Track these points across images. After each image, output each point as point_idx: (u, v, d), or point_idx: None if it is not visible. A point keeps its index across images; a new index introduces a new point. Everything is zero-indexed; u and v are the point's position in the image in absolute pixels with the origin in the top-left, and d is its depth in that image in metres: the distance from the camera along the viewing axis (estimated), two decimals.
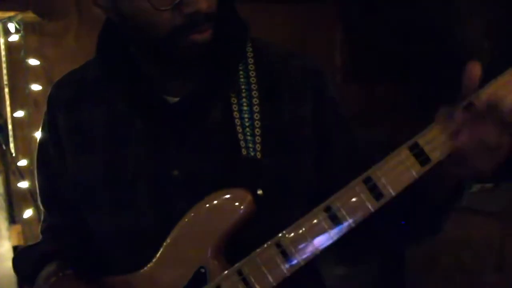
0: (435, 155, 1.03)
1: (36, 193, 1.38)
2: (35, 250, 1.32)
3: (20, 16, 2.96)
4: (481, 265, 2.78)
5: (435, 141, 1.03)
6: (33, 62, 3.06)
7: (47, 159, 1.30)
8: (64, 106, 1.27)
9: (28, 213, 3.03)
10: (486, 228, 2.76)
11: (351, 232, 1.07)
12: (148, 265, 1.15)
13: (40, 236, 1.38)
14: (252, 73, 1.19)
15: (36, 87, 3.05)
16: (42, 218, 1.39)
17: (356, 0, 3.88)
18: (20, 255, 1.35)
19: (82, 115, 1.24)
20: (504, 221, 2.77)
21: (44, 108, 1.32)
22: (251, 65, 1.20)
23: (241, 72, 1.19)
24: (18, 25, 3.00)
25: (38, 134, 2.78)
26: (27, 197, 3.00)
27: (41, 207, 1.37)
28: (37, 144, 1.34)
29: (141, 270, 1.16)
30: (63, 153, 1.26)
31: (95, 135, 1.22)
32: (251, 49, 1.22)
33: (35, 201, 2.89)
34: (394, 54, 3.84)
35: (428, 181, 1.06)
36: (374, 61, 3.91)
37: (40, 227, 1.39)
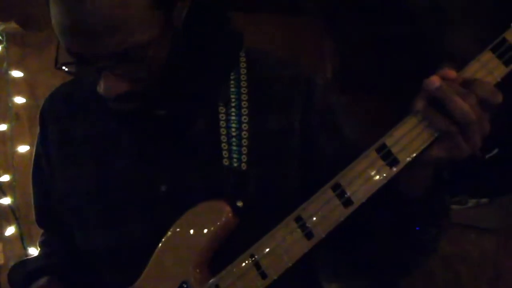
0: (403, 156, 0.99)
1: (18, 209, 1.37)
2: (29, 264, 1.32)
3: (2, 26, 2.93)
4: (477, 280, 2.77)
5: (402, 140, 1.00)
6: (16, 74, 3.01)
7: (41, 175, 1.30)
8: (55, 120, 1.27)
9: (10, 230, 2.95)
10: (481, 243, 2.75)
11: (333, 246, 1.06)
12: (136, 282, 1.15)
13: (38, 249, 1.39)
14: (244, 83, 1.17)
15: (19, 99, 2.98)
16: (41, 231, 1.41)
17: (345, 12, 3.88)
18: (14, 269, 1.34)
19: (72, 130, 1.24)
20: (499, 236, 2.76)
21: (26, 122, 1.28)
22: (243, 75, 1.18)
23: (232, 82, 1.17)
24: (1, 36, 2.98)
25: (21, 149, 2.76)
26: (8, 214, 2.91)
27: (37, 224, 1.38)
28: (20, 159, 1.33)
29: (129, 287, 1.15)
30: (54, 167, 1.25)
31: (83, 150, 1.22)
32: (244, 59, 1.20)
33: (16, 218, 2.82)
34: (384, 65, 3.83)
35: (399, 184, 1.03)
36: (364, 73, 3.90)
37: (39, 238, 1.41)
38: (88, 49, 0.98)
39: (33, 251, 2.77)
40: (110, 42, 0.96)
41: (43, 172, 1.29)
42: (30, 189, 1.36)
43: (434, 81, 0.95)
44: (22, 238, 2.81)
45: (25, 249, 2.84)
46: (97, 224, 1.20)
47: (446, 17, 3.49)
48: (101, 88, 1.02)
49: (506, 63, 0.97)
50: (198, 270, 1.11)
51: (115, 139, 1.19)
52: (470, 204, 2.82)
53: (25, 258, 1.42)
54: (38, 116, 1.30)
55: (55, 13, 0.98)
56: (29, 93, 2.95)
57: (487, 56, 0.97)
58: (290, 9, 3.66)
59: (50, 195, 1.29)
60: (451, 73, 0.96)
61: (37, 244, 1.40)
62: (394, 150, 1.00)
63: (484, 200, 2.85)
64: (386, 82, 3.90)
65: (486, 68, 0.97)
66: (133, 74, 1.02)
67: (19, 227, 2.84)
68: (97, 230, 1.20)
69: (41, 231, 1.41)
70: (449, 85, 0.95)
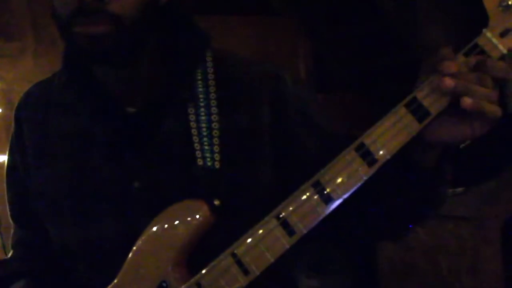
0: (382, 154, 1.02)
1: None
2: (4, 267, 1.32)
3: None
4: (456, 269, 2.80)
5: (381, 138, 1.02)
6: None
7: (14, 172, 1.30)
8: (30, 118, 1.27)
9: None
10: (459, 232, 2.78)
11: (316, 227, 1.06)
12: (113, 282, 1.14)
13: (11, 251, 1.37)
14: (212, 82, 1.18)
15: None
16: (12, 232, 1.38)
17: (318, 12, 3.90)
18: None
19: (47, 126, 1.24)
20: (475, 224, 2.80)
21: (3, 131, 1.28)
22: (210, 74, 1.19)
23: (199, 82, 1.18)
24: None
25: None
26: None
27: (11, 221, 1.36)
28: None
29: None
30: (29, 164, 1.25)
31: (58, 148, 1.22)
32: (210, 59, 1.20)
33: None
34: (357, 64, 3.87)
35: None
36: (339, 71, 3.93)
37: (10, 240, 1.38)
38: None
39: None
40: None
41: (18, 170, 1.29)
42: None
43: (450, 66, 0.97)
44: (4, 246, 2.79)
45: (7, 255, 2.82)
46: (71, 221, 1.20)
47: (417, 14, 3.54)
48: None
49: None
50: (177, 269, 1.11)
51: (89, 137, 1.19)
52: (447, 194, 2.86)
53: None
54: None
55: None
56: (5, 103, 2.95)
57: (460, 60, 1.00)
58: (263, 10, 3.67)
59: (24, 192, 1.28)
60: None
61: (10, 245, 1.38)
62: (372, 148, 1.02)
63: (459, 189, 2.89)
64: (361, 80, 3.94)
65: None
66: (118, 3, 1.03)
67: (0, 236, 2.82)
68: (71, 227, 1.20)
69: None
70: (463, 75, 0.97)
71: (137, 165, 1.16)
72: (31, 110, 1.28)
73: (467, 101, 0.95)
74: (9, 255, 1.38)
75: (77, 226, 1.19)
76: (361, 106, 3.95)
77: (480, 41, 1.00)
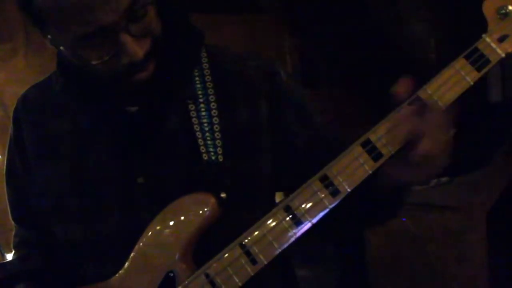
0: (387, 150, 1.07)
1: None
2: (4, 269, 1.33)
3: None
4: (443, 257, 2.83)
5: (385, 136, 1.08)
6: None
7: (14, 173, 1.31)
8: (29, 118, 1.28)
9: None
10: (445, 222, 2.82)
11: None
12: (118, 273, 1.17)
13: (13, 252, 1.39)
14: (208, 78, 1.21)
15: None
16: (13, 233, 1.39)
17: (303, 9, 3.92)
18: None
19: (48, 126, 1.25)
20: (461, 213, 2.83)
21: None
22: (206, 70, 1.22)
23: (197, 78, 1.21)
24: None
25: None
26: None
27: (12, 221, 1.37)
28: None
29: (111, 278, 1.17)
30: (30, 165, 1.27)
31: (60, 146, 1.24)
32: (205, 55, 1.24)
33: None
34: (343, 59, 3.89)
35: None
36: (324, 67, 3.95)
37: (12, 242, 1.39)
38: (99, 18, 1.01)
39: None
40: (114, 3, 1.00)
41: (17, 170, 1.30)
42: (5, 195, 1.36)
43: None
44: (0, 246, 2.81)
45: (2, 255, 2.83)
46: (76, 218, 1.22)
47: (401, 10, 3.56)
48: (127, 56, 1.06)
49: (478, 69, 1.09)
50: (183, 260, 1.14)
51: (90, 136, 1.21)
52: (432, 183, 2.90)
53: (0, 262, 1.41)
54: (8, 126, 1.32)
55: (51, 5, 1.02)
56: None
57: (461, 63, 1.09)
58: (248, 7, 3.69)
59: (24, 193, 1.30)
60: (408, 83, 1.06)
61: (12, 246, 1.40)
62: (378, 144, 1.08)
63: (444, 179, 2.93)
64: (347, 75, 3.96)
65: (460, 74, 1.09)
66: (148, 29, 1.08)
67: None
68: (76, 224, 1.22)
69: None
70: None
71: (141, 162, 1.19)
72: (30, 112, 1.29)
73: (419, 146, 1.02)
74: (12, 255, 1.39)
75: (82, 222, 1.21)
76: (347, 101, 3.98)
77: (480, 45, 1.09)
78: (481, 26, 1.11)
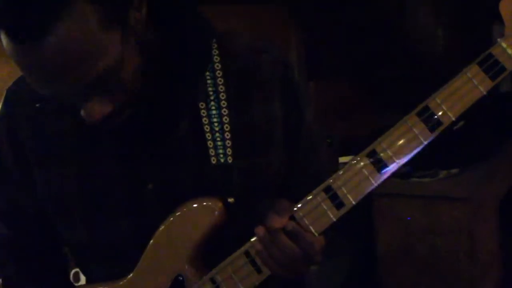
0: (392, 161, 1.03)
1: None
2: None
3: None
4: (454, 250, 2.80)
5: (392, 145, 1.03)
6: None
7: (2, 171, 1.25)
8: (27, 115, 1.20)
9: None
10: (455, 213, 2.79)
11: None
12: (128, 276, 1.17)
13: None
14: (219, 73, 1.15)
15: None
16: None
17: None
18: None
19: (49, 126, 1.19)
20: (471, 205, 2.80)
21: None
22: (217, 64, 1.15)
23: (208, 78, 1.15)
24: None
25: None
26: None
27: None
28: None
29: (121, 282, 1.17)
30: (26, 164, 1.21)
31: (63, 148, 1.18)
32: (217, 52, 1.16)
33: None
34: (349, 50, 3.87)
35: None
36: (330, 59, 3.93)
37: None
38: (58, 88, 0.96)
39: None
40: (77, 76, 0.93)
41: (6, 168, 1.24)
42: None
43: (258, 231, 1.06)
44: None
45: None
46: (84, 223, 1.19)
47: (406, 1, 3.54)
48: (84, 114, 1.00)
49: (492, 78, 0.99)
50: (192, 264, 1.14)
51: (95, 139, 1.16)
52: (441, 175, 2.88)
53: None
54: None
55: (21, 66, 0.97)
56: (0, 100, 2.93)
57: (474, 70, 1.00)
58: None
59: (14, 190, 1.25)
60: (277, 224, 1.04)
61: None
62: (383, 156, 1.03)
63: (454, 170, 2.90)
64: (353, 68, 3.94)
65: (472, 82, 1.00)
66: (113, 94, 1.00)
67: None
68: (84, 229, 1.19)
69: None
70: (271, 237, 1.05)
71: (150, 167, 1.15)
72: (27, 107, 1.20)
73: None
74: None
75: (90, 227, 1.19)
76: (352, 92, 3.96)
77: (495, 51, 0.99)
78: (488, 19, 1.04)
